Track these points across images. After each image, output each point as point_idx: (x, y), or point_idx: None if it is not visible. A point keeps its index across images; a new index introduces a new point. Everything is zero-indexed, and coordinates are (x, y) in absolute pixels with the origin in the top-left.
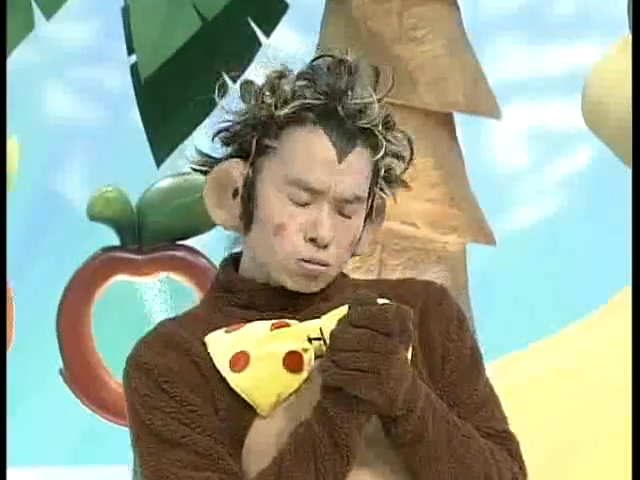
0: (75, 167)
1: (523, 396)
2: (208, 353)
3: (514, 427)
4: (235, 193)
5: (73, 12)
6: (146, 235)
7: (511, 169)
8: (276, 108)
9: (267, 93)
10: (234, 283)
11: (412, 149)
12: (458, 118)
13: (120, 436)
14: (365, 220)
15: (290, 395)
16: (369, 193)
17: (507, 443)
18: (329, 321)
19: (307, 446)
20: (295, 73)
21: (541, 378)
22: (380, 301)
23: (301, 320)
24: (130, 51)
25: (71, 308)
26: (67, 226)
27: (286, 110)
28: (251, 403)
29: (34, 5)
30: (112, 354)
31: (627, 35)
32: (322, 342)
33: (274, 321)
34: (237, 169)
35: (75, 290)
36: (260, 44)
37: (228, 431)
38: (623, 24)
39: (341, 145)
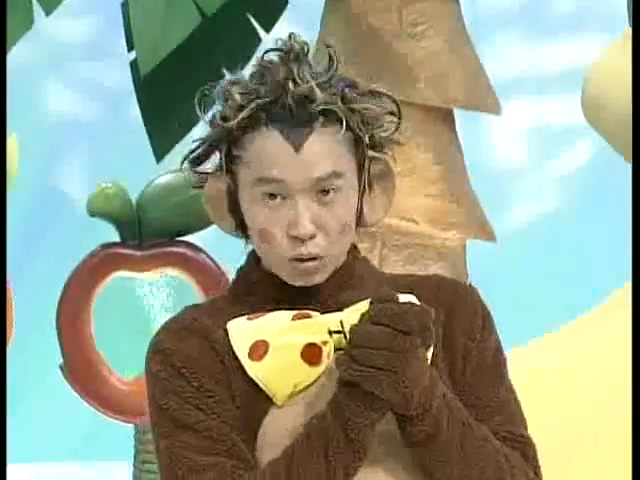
0: (75, 163)
1: (522, 393)
2: (229, 340)
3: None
4: (228, 206)
5: (73, 8)
6: (146, 231)
7: (511, 165)
8: (228, 120)
9: (221, 104)
10: (256, 278)
11: (398, 107)
12: (458, 114)
13: (120, 432)
14: (364, 192)
15: (307, 387)
16: (359, 166)
17: (524, 447)
18: (351, 314)
19: (319, 438)
20: (247, 76)
21: (541, 375)
22: (402, 297)
23: (324, 312)
24: (130, 47)
25: (71, 304)
26: (67, 222)
27: (238, 119)
28: (267, 392)
29: (34, 1)
30: (112, 350)
31: (627, 31)
32: (342, 335)
33: (296, 312)
34: (221, 183)
35: (75, 286)
36: (260, 40)
37: (243, 419)
38: (623, 20)
39: (296, 137)
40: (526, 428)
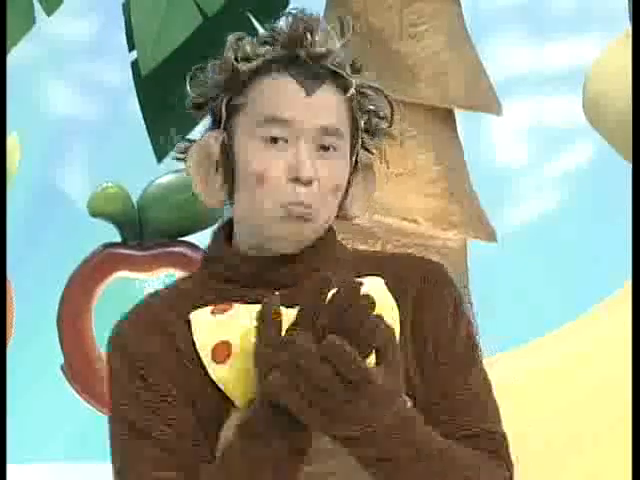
0: (75, 163)
1: (523, 392)
2: (191, 333)
3: (515, 423)
4: (217, 166)
5: (74, 8)
6: (147, 231)
7: (512, 165)
8: (238, 62)
9: (230, 54)
10: (223, 255)
11: (390, 103)
12: (458, 113)
13: None
14: (351, 176)
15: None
16: (351, 145)
17: (495, 444)
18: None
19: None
20: (256, 38)
21: (542, 374)
22: (369, 281)
23: (290, 301)
24: (131, 47)
25: (72, 304)
26: (68, 222)
27: (249, 65)
28: (230, 397)
29: (35, 1)
30: None
31: (628, 30)
32: None
33: (260, 308)
34: (213, 139)
35: (76, 286)
36: None
37: (204, 421)
38: (624, 19)
39: (308, 84)
40: (499, 421)
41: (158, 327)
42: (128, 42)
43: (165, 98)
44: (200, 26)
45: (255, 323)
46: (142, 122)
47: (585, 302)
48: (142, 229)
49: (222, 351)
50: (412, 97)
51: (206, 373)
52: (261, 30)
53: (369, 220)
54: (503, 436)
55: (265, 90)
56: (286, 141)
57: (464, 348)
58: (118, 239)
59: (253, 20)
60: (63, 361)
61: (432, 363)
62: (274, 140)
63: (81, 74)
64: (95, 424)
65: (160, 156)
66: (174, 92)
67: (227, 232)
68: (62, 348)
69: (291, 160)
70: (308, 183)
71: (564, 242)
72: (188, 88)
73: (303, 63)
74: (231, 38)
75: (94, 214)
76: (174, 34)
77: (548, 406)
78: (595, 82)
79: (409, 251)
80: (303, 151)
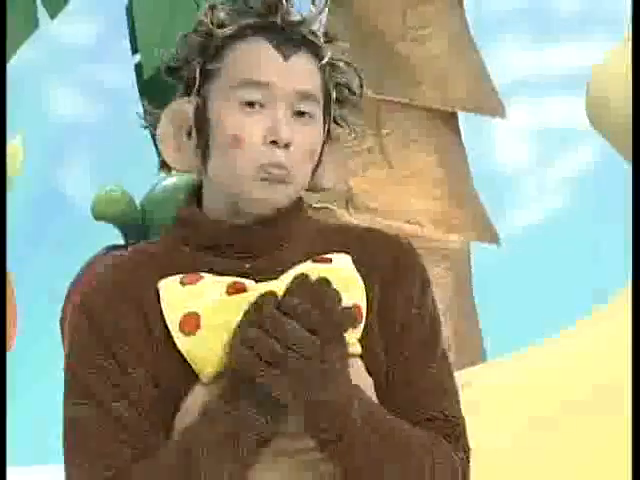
0: (79, 166)
1: (526, 394)
2: (159, 301)
3: (516, 426)
4: (189, 133)
5: (77, 11)
6: (151, 234)
7: (515, 167)
8: (213, 26)
9: (202, 17)
10: (195, 220)
11: (360, 76)
12: (461, 116)
13: None
14: (323, 146)
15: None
16: (324, 116)
17: (453, 428)
18: (286, 282)
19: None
20: (229, 7)
21: (545, 376)
22: (336, 257)
23: (260, 275)
24: (134, 51)
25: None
26: (71, 225)
27: (224, 30)
28: (195, 369)
29: (38, 4)
30: None
31: (628, 33)
32: None
33: (229, 281)
34: (185, 105)
35: (79, 289)
36: None
37: (166, 392)
38: (627, 23)
39: (284, 47)
40: (457, 403)
41: (126, 294)
42: (131, 45)
43: (168, 101)
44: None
45: (224, 298)
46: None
47: (589, 304)
48: (146, 232)
49: (190, 322)
50: (415, 100)
51: (173, 344)
52: None
53: (372, 222)
54: (462, 420)
55: (241, 54)
56: (262, 105)
57: (429, 331)
58: (121, 242)
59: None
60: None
61: (396, 344)
62: (250, 104)
63: (84, 77)
64: None
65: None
66: (177, 95)
67: (197, 197)
68: (65, 349)
69: (268, 123)
70: (285, 146)
71: (567, 244)
72: (162, 71)
73: (279, 29)
74: (205, 5)
75: (97, 217)
76: (177, 36)
77: (550, 408)
78: (598, 85)
79: None
80: (281, 114)
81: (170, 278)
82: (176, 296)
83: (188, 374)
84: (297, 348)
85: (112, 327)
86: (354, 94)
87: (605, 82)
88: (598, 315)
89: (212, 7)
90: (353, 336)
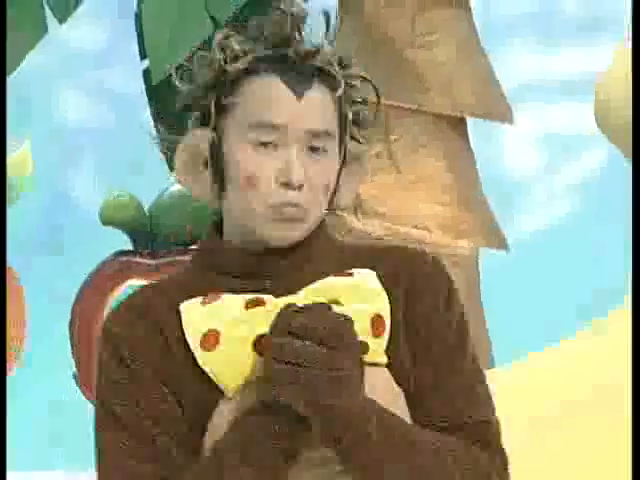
0: (88, 171)
1: (532, 399)
2: (181, 323)
3: (520, 429)
4: (205, 163)
5: (86, 16)
6: (158, 239)
7: (523, 173)
8: (226, 63)
9: (217, 54)
10: (214, 247)
11: (377, 91)
12: (470, 121)
13: None
14: (341, 169)
15: (258, 378)
16: (340, 140)
17: (483, 432)
18: (305, 296)
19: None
20: (242, 33)
21: (552, 381)
22: (359, 272)
23: (280, 291)
24: (142, 56)
25: (84, 312)
26: (79, 230)
27: (237, 65)
28: (218, 384)
29: (47, 9)
30: None
31: (628, 33)
32: None
33: (249, 297)
34: (202, 137)
35: (88, 294)
36: None
37: (190, 410)
38: (628, 22)
39: (297, 85)
40: (490, 408)
41: (147, 316)
42: (140, 51)
43: (176, 107)
44: (211, 34)
45: (243, 312)
46: (154, 130)
47: (596, 309)
48: (153, 237)
49: (211, 339)
50: (423, 105)
51: (194, 362)
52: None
53: (380, 228)
54: (495, 424)
55: (254, 92)
56: (276, 145)
57: (456, 337)
58: (130, 247)
59: (249, 26)
60: (75, 368)
61: (424, 351)
62: (264, 144)
63: (93, 82)
64: None
65: (172, 165)
66: None
67: (218, 226)
68: (74, 355)
69: (281, 164)
70: (298, 187)
71: (576, 249)
72: (176, 83)
73: (292, 62)
74: (218, 36)
75: (105, 222)
76: (185, 43)
77: (555, 413)
78: (606, 89)
79: None
80: (293, 155)
81: (191, 300)
82: (197, 315)
83: (211, 391)
84: (307, 363)
85: (130, 345)
86: (369, 107)
87: (612, 87)
88: (609, 320)
89: (226, 37)
90: (378, 346)
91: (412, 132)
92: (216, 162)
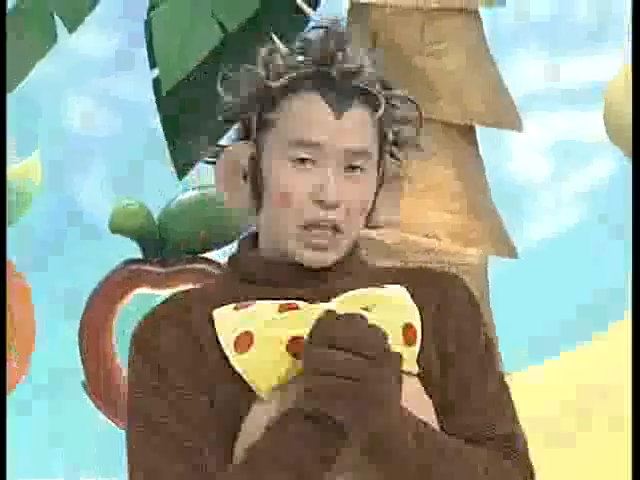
0: (97, 179)
1: (542, 405)
2: (214, 330)
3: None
4: (245, 175)
5: (96, 25)
6: (168, 248)
7: (533, 181)
8: (269, 79)
9: (260, 69)
10: (247, 260)
11: (419, 111)
12: (478, 129)
13: None
14: (379, 187)
15: (292, 380)
16: (378, 160)
17: (513, 447)
18: (339, 304)
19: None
20: (286, 49)
21: (563, 387)
22: (390, 288)
23: (314, 300)
24: (152, 64)
25: (93, 320)
26: (88, 238)
27: (280, 81)
28: (251, 385)
29: (56, 18)
30: None
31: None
32: None
33: (282, 302)
34: (243, 151)
35: (97, 302)
36: None
37: (223, 415)
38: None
39: (337, 103)
40: (516, 423)
41: (180, 322)
42: (149, 59)
43: (186, 115)
44: (221, 43)
45: (277, 316)
46: (163, 139)
47: (610, 315)
48: (163, 245)
49: (244, 341)
50: (433, 114)
51: (227, 365)
52: (281, 47)
53: (389, 236)
54: (521, 438)
55: (295, 109)
56: (313, 162)
57: (483, 352)
58: (139, 256)
59: (274, 37)
60: (84, 377)
61: (452, 367)
62: (302, 161)
63: (103, 91)
64: (116, 440)
65: (181, 173)
66: (195, 109)
67: (253, 238)
68: (83, 364)
69: (317, 181)
70: (333, 206)
71: (585, 258)
72: (220, 90)
73: (334, 80)
74: (263, 51)
75: (115, 230)
76: (195, 51)
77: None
78: (615, 98)
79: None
80: (330, 174)
81: (224, 307)
82: (230, 319)
83: (243, 394)
84: (351, 375)
85: (164, 351)
86: (412, 127)
87: (622, 95)
88: (617, 328)
89: (270, 52)
90: (410, 355)
91: (422, 140)
92: (254, 176)
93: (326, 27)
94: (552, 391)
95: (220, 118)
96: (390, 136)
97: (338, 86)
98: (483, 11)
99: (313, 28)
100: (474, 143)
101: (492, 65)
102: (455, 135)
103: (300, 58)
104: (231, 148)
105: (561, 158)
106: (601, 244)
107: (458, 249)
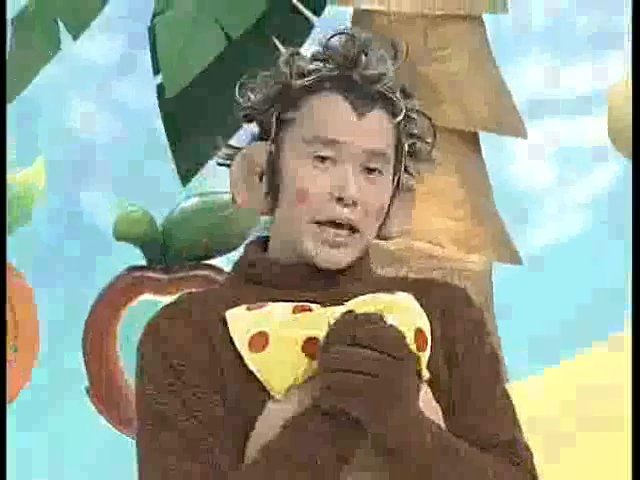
0: (100, 186)
1: (546, 414)
2: (226, 331)
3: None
4: (261, 175)
5: (100, 31)
6: (171, 254)
7: (537, 187)
8: (292, 78)
9: (283, 68)
10: (257, 262)
11: (433, 128)
12: (482, 136)
13: None
14: (393, 198)
15: (306, 380)
16: (394, 168)
17: (517, 453)
18: (353, 308)
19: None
20: (309, 53)
21: (567, 396)
22: (400, 294)
23: (325, 304)
24: (156, 70)
25: (97, 326)
26: (92, 245)
27: (302, 80)
28: (266, 385)
29: (61, 25)
30: None
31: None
32: None
33: (296, 304)
34: (260, 150)
35: (101, 309)
36: None
37: (235, 414)
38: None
39: (358, 105)
40: (521, 433)
41: (192, 321)
42: (153, 65)
43: (190, 122)
44: (225, 49)
45: (291, 317)
46: (167, 145)
47: (611, 323)
48: (166, 252)
49: (259, 341)
50: (436, 120)
51: (240, 365)
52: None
53: (393, 242)
54: (526, 446)
55: (316, 108)
56: (333, 161)
57: (488, 363)
58: (143, 262)
59: (277, 44)
60: (88, 383)
61: (460, 376)
62: (321, 159)
63: (107, 97)
64: (119, 446)
65: (185, 180)
66: (199, 115)
67: (262, 241)
68: (87, 370)
69: (336, 180)
70: (351, 204)
71: (589, 265)
72: (237, 96)
73: (355, 84)
74: (285, 53)
75: (118, 237)
76: (199, 57)
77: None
78: (619, 104)
79: (433, 274)
80: (349, 172)
81: (236, 308)
82: (244, 319)
83: (257, 393)
84: (373, 372)
85: (178, 349)
86: (427, 144)
87: (625, 102)
88: (623, 336)
89: (293, 54)
90: (421, 360)
91: (434, 145)
92: (272, 175)
93: (348, 33)
94: (552, 393)
95: (238, 115)
96: (405, 148)
97: (360, 89)
98: (486, 17)
99: (334, 35)
100: (477, 149)
101: (495, 71)
102: (458, 141)
103: (323, 63)
104: (248, 148)
105: (564, 164)
106: (604, 250)
107: (461, 255)
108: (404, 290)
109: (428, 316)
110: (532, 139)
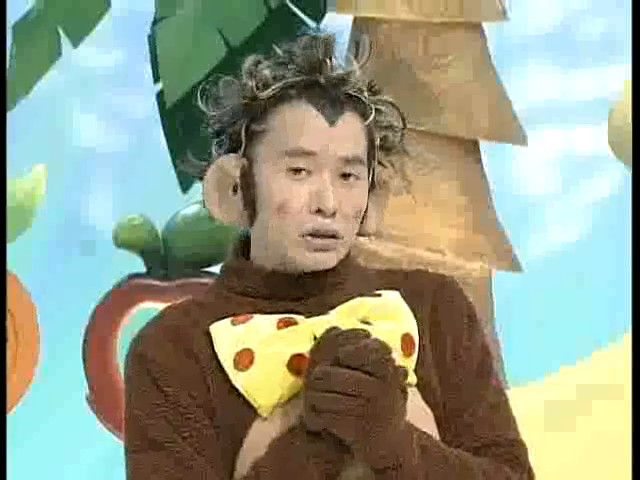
0: (101, 194)
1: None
2: (211, 345)
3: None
4: (235, 188)
5: (100, 39)
6: (172, 262)
7: (537, 195)
8: (258, 89)
9: (246, 80)
10: (242, 269)
11: (402, 117)
12: (483, 143)
13: None
14: (369, 195)
15: (292, 397)
16: (368, 165)
17: (512, 452)
18: (337, 317)
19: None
20: (271, 59)
21: (568, 402)
22: (386, 294)
23: (310, 312)
24: (156, 78)
25: (97, 334)
26: (92, 252)
27: (268, 91)
28: (252, 403)
29: (61, 32)
30: None
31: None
32: None
33: (280, 317)
34: (232, 163)
35: (101, 316)
36: None
37: (223, 432)
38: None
39: (329, 111)
40: (515, 430)
41: (177, 338)
42: (153, 73)
43: (190, 129)
44: (225, 57)
45: (276, 332)
46: (167, 153)
47: (612, 330)
48: (167, 260)
49: (244, 358)
50: (437, 128)
51: (227, 382)
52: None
53: (393, 250)
54: (521, 444)
55: (286, 119)
56: (309, 171)
57: (480, 359)
58: (143, 270)
59: (278, 51)
60: (88, 391)
61: (449, 376)
62: (296, 170)
63: (107, 105)
64: (119, 454)
65: (185, 187)
66: (199, 123)
67: (244, 246)
68: (87, 377)
69: (314, 191)
70: (331, 215)
71: (590, 272)
72: (200, 105)
73: (322, 88)
74: (248, 62)
75: (119, 245)
76: (199, 66)
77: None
78: (620, 112)
79: None
80: (326, 182)
81: (221, 321)
82: (228, 335)
83: (244, 411)
84: (357, 393)
85: (163, 368)
86: (397, 133)
87: (626, 109)
88: (625, 342)
89: (256, 63)
90: (409, 366)
91: (425, 154)
92: (247, 188)
93: (309, 35)
94: (552, 398)
95: (208, 132)
96: (377, 142)
97: (328, 94)
98: (487, 26)
99: (297, 37)
100: (478, 157)
101: (496, 78)
102: (459, 149)
103: (287, 69)
104: (219, 161)
105: (565, 171)
106: (606, 258)
107: (462, 263)
108: (393, 285)
109: (416, 311)
110: (533, 146)
